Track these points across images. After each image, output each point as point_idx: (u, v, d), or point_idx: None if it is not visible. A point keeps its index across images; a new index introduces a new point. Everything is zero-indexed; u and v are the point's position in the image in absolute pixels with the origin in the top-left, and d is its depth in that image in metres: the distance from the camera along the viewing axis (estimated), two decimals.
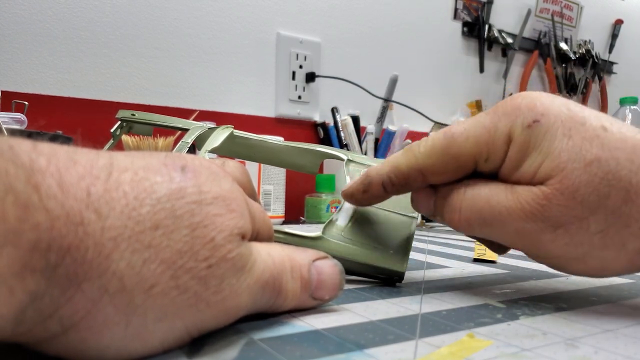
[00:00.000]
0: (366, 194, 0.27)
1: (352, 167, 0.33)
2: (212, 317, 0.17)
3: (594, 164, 0.21)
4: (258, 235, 0.21)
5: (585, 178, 0.21)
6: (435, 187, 0.26)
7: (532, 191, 0.22)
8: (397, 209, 0.30)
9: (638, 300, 0.26)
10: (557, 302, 0.25)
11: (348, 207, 0.30)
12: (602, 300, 0.26)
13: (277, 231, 0.29)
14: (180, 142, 0.34)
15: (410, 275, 0.32)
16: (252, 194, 0.23)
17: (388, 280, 0.29)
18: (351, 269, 0.29)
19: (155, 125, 0.38)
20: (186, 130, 0.36)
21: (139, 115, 0.38)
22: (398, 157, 0.26)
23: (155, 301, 0.15)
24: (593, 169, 0.21)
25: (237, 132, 0.35)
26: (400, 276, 0.28)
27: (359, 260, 0.28)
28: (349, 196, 0.28)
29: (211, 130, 0.35)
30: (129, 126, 0.39)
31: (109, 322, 0.14)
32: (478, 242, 0.43)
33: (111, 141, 0.38)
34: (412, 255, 0.42)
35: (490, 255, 0.40)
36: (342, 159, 0.33)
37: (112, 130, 0.38)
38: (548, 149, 0.22)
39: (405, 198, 0.30)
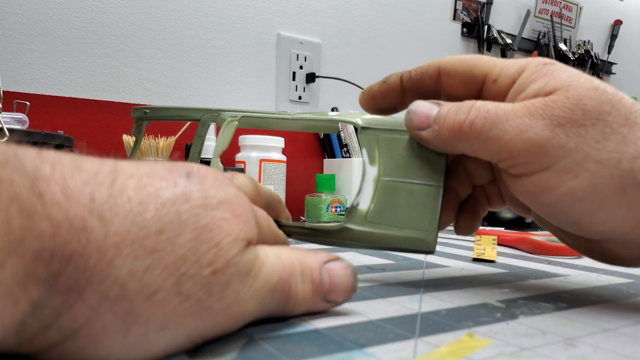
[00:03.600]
0: (383, 85, 0.29)
1: (367, 135, 0.29)
2: (215, 324, 0.16)
3: (600, 89, 0.22)
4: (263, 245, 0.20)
5: (591, 94, 0.22)
6: (438, 105, 0.26)
7: (538, 99, 0.23)
8: (419, 179, 0.28)
9: (637, 300, 0.26)
10: (556, 302, 0.25)
11: (368, 187, 0.28)
12: (601, 300, 0.26)
13: (298, 227, 0.29)
14: (195, 137, 0.33)
15: (409, 274, 0.32)
16: (262, 206, 0.23)
17: (417, 252, 0.28)
18: (378, 248, 0.28)
19: (170, 119, 0.36)
20: (198, 120, 0.34)
21: (152, 111, 0.36)
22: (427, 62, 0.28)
23: (157, 309, 0.14)
24: (599, 92, 0.22)
25: (248, 114, 0.33)
26: (431, 251, 0.28)
27: (387, 245, 0.28)
28: (366, 91, 0.29)
29: (218, 116, 0.33)
30: (143, 123, 0.37)
31: (108, 330, 0.14)
32: (478, 242, 0.43)
33: (135, 142, 0.37)
34: (412, 254, 0.42)
35: (489, 254, 0.40)
36: (355, 124, 0.30)
37: (132, 132, 0.37)
38: (558, 76, 0.23)
39: (430, 166, 0.28)
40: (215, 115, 0.33)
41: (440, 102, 0.26)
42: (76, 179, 0.14)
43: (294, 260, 0.19)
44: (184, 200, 0.16)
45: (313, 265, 0.20)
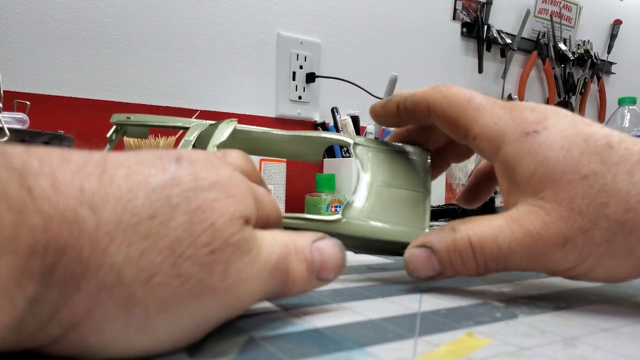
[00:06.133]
0: (383, 109, 0.32)
1: (360, 149, 0.32)
2: (220, 306, 0.16)
3: (590, 177, 0.21)
4: (268, 219, 0.20)
5: (582, 190, 0.21)
6: (430, 248, 0.25)
7: (532, 211, 0.23)
8: (407, 186, 0.31)
9: (636, 300, 0.26)
10: (555, 301, 0.25)
11: (362, 189, 0.30)
12: (601, 300, 0.26)
13: (296, 217, 0.29)
14: (183, 140, 0.34)
15: None
16: (258, 181, 0.22)
17: None
18: (373, 247, 0.29)
19: (152, 126, 0.38)
20: (186, 128, 0.35)
21: (135, 117, 0.37)
22: (425, 89, 0.29)
23: (157, 292, 0.14)
24: (589, 182, 0.21)
25: (239, 126, 0.35)
26: None
27: (382, 237, 0.28)
28: (372, 110, 0.33)
29: (213, 127, 0.35)
30: (124, 130, 0.38)
31: (109, 317, 0.14)
32: None
33: (108, 146, 0.37)
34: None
35: None
36: (348, 143, 0.32)
37: (107, 135, 0.37)
38: (543, 157, 0.23)
39: (416, 176, 0.31)
40: (206, 125, 0.34)
41: (430, 243, 0.25)
42: (65, 171, 0.14)
43: (288, 242, 0.20)
44: (174, 184, 0.16)
45: (304, 245, 0.20)
